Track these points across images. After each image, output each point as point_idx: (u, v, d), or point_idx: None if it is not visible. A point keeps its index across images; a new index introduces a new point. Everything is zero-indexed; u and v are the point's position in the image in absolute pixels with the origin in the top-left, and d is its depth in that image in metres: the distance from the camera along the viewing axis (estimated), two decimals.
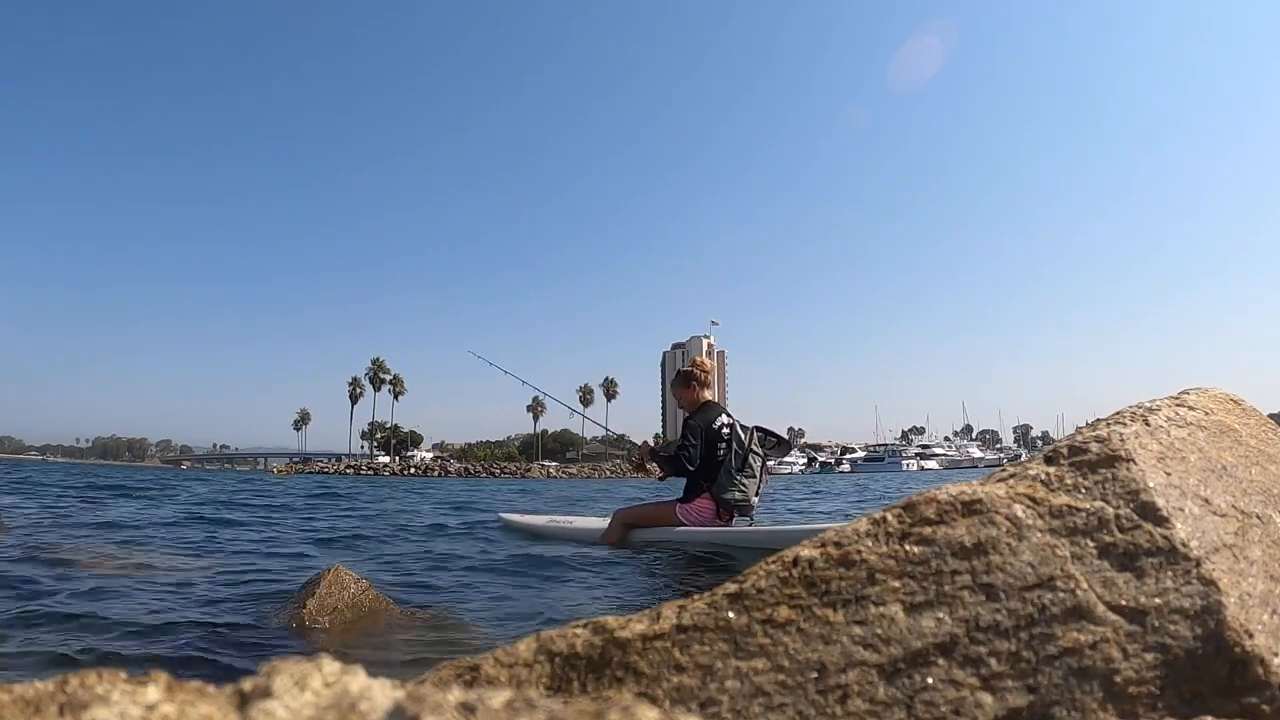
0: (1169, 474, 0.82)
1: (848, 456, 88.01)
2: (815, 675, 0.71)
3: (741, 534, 3.75)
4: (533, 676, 0.75)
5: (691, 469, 3.89)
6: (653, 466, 4.05)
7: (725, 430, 3.90)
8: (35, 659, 1.76)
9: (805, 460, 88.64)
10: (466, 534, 4.82)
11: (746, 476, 3.87)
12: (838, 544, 0.79)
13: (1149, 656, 0.68)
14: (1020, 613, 0.71)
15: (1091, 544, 0.75)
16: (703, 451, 3.86)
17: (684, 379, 4.11)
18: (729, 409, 4.05)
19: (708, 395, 4.05)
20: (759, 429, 4.02)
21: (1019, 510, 0.78)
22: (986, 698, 0.68)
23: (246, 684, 0.42)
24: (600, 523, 4.33)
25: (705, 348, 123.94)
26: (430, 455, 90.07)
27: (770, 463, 4.07)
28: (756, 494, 3.94)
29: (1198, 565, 0.72)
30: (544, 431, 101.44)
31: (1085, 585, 0.72)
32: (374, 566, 3.34)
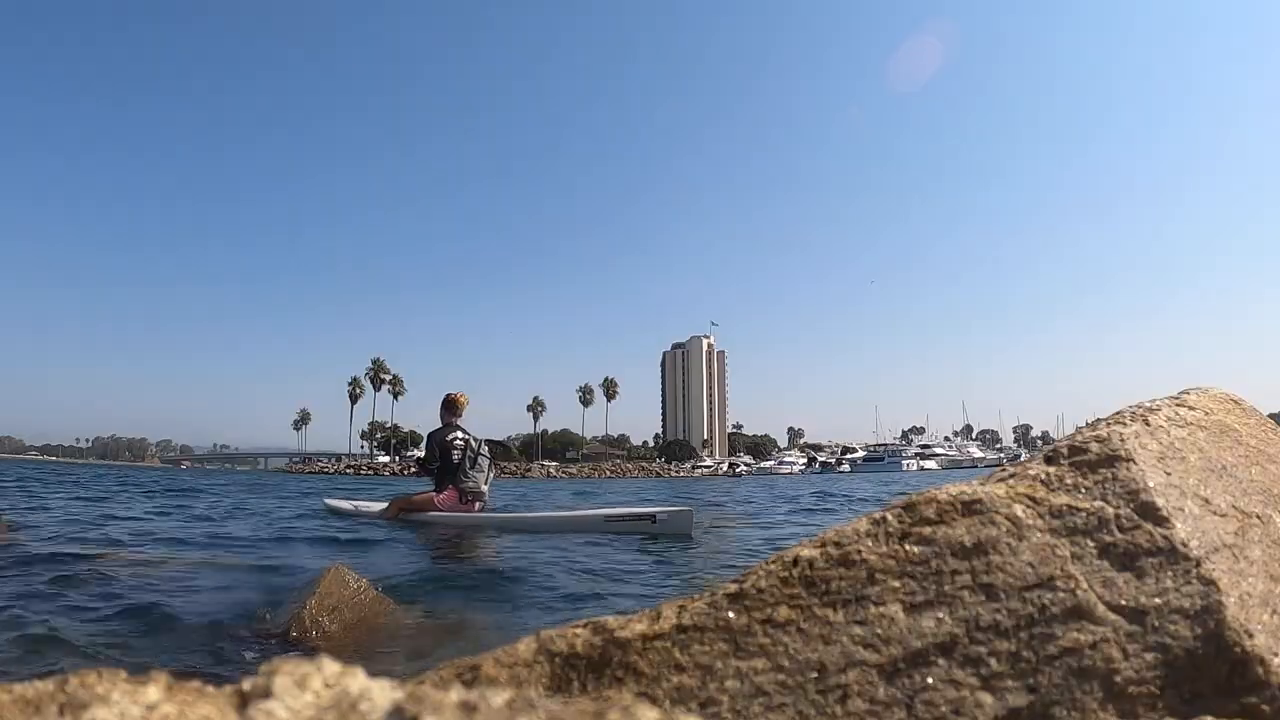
0: (1169, 474, 0.82)
1: (848, 456, 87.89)
2: (815, 675, 0.71)
3: (480, 517, 5.41)
4: (533, 676, 0.75)
5: (432, 468, 5.61)
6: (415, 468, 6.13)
7: (459, 441, 5.60)
8: (35, 658, 1.76)
9: (805, 460, 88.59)
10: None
11: (476, 472, 5.59)
12: (838, 544, 0.79)
13: (1149, 656, 0.68)
14: (1020, 613, 0.71)
15: (1091, 544, 0.75)
16: (439, 457, 5.58)
17: (446, 404, 5.79)
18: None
19: (453, 419, 5.73)
20: (488, 440, 5.78)
21: (1019, 510, 0.78)
22: (986, 698, 0.68)
23: (246, 684, 0.42)
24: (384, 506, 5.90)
25: (705, 347, 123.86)
26: None
27: (504, 461, 6.33)
28: (486, 484, 5.67)
29: (1198, 565, 0.72)
30: (544, 431, 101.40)
31: (1085, 585, 0.72)
32: (373, 565, 3.34)
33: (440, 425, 5.71)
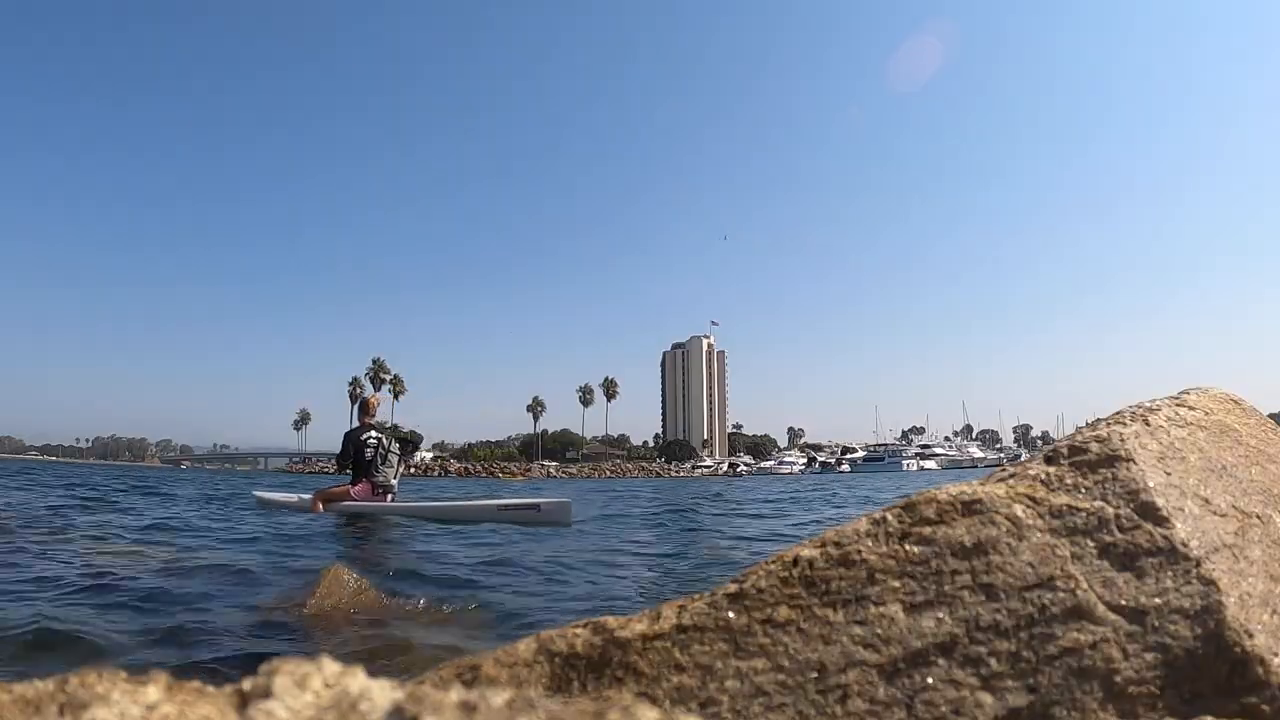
0: (1169, 474, 0.82)
1: (848, 456, 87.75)
2: (815, 675, 0.71)
3: (390, 506, 6.16)
4: (533, 676, 0.75)
5: (347, 464, 6.35)
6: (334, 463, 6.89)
7: (372, 440, 6.34)
8: (35, 658, 1.76)
9: (805, 460, 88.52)
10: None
11: (386, 467, 6.35)
12: (838, 544, 0.79)
13: (1149, 656, 0.68)
14: (1020, 613, 0.71)
15: (1091, 544, 0.75)
16: (354, 454, 6.31)
17: (361, 407, 6.65)
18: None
19: (368, 420, 6.50)
20: (398, 438, 6.53)
21: (1019, 510, 0.78)
22: (986, 698, 0.68)
23: (246, 684, 0.42)
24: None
25: (705, 347, 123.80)
26: (430, 455, 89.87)
27: (411, 457, 6.93)
28: (395, 477, 6.43)
29: (1198, 565, 0.72)
30: (544, 431, 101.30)
31: (1085, 585, 0.72)
32: (372, 565, 3.34)
33: (357, 425, 6.51)
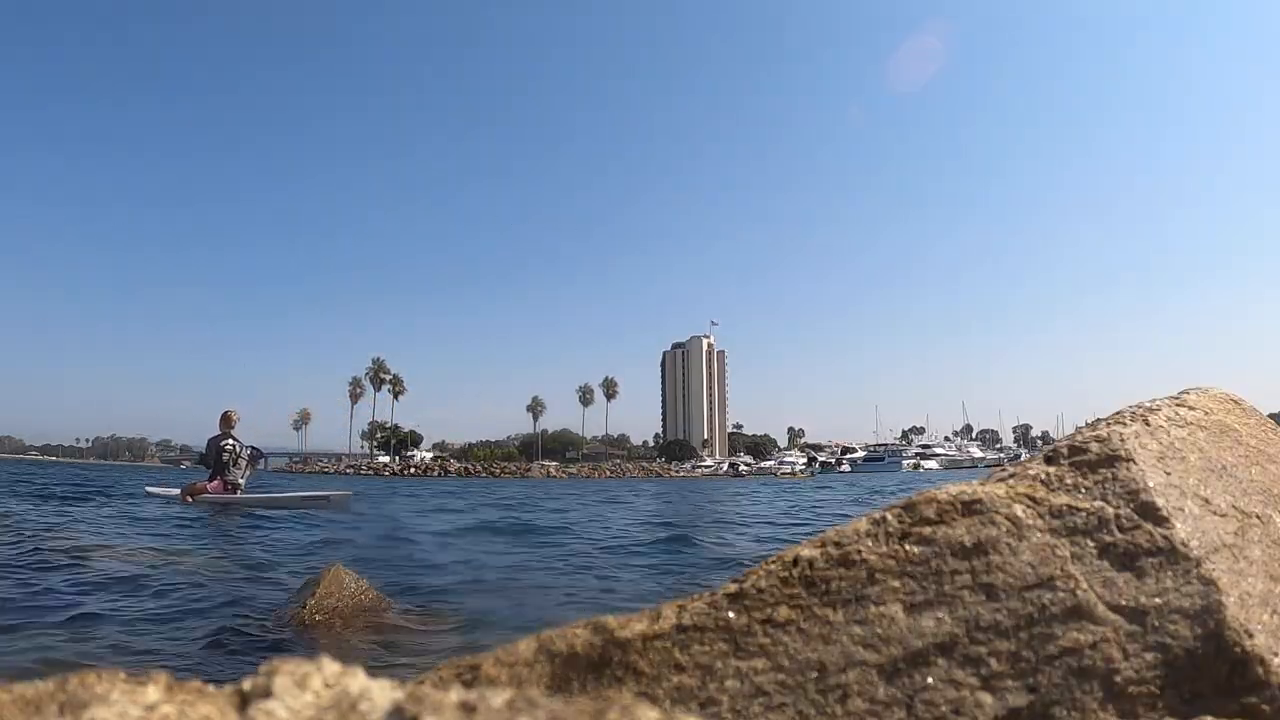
0: (1169, 474, 0.82)
1: (848, 456, 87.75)
2: (815, 675, 0.71)
3: (240, 499, 7.73)
4: (533, 676, 0.75)
5: (209, 461, 8.01)
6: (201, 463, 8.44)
7: (228, 445, 8.03)
8: (35, 658, 1.76)
9: (805, 460, 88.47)
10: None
11: (235, 469, 8.03)
12: (838, 544, 0.79)
13: (1149, 656, 0.68)
14: (1020, 613, 0.71)
15: (1091, 544, 0.75)
16: (213, 455, 7.98)
17: (222, 418, 8.20)
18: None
19: (227, 430, 8.13)
20: (250, 446, 8.33)
21: (1019, 510, 0.78)
22: (986, 697, 0.67)
23: (246, 684, 0.42)
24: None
25: (705, 347, 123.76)
26: (430, 455, 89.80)
27: (256, 465, 8.64)
28: (243, 477, 8.10)
29: (1198, 565, 0.72)
30: (544, 431, 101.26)
31: (1085, 585, 0.72)
32: (372, 564, 3.34)
33: (217, 434, 8.04)
